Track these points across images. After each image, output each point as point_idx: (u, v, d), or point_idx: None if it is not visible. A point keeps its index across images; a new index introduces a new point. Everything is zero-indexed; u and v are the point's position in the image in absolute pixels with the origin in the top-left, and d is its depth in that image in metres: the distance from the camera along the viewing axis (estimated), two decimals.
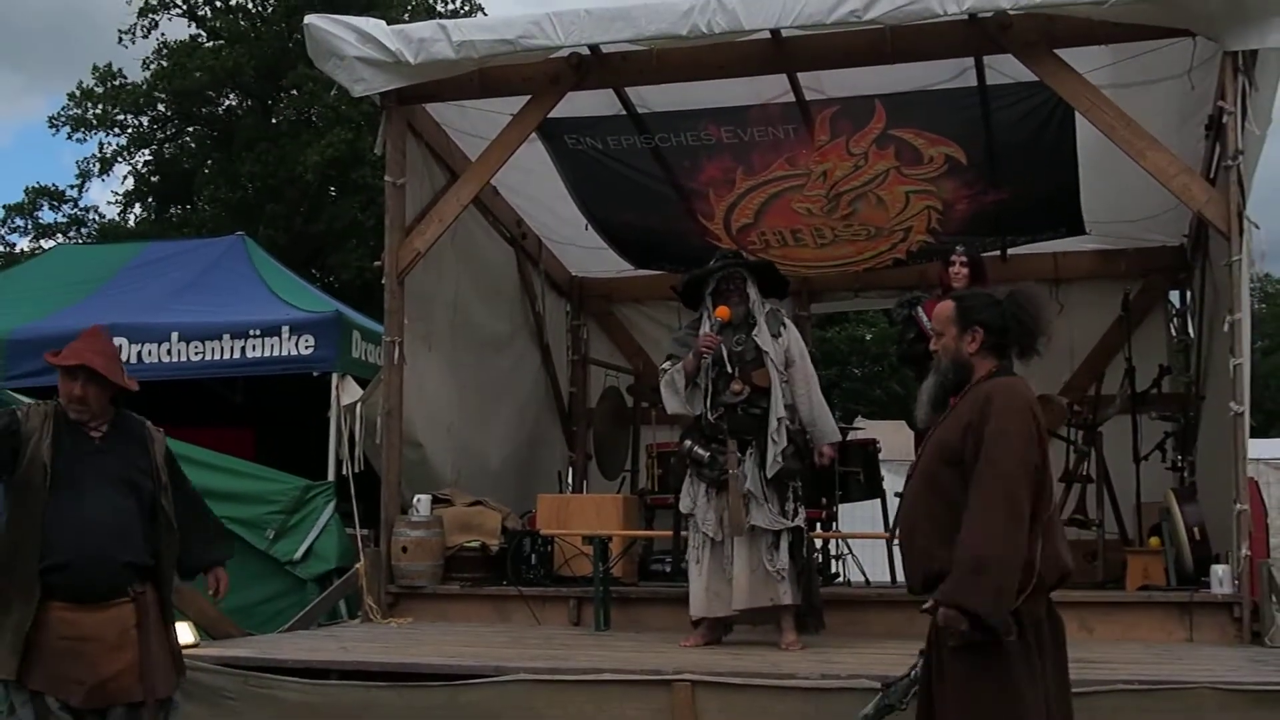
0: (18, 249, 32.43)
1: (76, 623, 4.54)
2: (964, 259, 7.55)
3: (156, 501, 4.80)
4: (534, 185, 9.93)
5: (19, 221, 33.29)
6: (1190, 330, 10.06)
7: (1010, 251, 10.34)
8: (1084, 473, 8.62)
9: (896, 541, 4.22)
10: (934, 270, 8.59)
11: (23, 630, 4.48)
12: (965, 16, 7.19)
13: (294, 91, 28.94)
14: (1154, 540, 7.77)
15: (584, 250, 11.05)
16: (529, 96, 8.18)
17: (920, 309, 7.72)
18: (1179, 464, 8.97)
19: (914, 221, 9.84)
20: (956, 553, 3.72)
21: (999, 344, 4.03)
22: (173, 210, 30.85)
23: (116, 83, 30.13)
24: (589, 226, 10.51)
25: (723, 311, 6.75)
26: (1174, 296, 10.63)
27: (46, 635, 4.51)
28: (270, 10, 29.61)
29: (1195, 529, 7.35)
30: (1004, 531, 3.69)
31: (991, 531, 3.69)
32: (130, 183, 32.08)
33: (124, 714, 4.63)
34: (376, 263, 8.65)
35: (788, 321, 6.93)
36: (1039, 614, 3.82)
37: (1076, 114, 7.83)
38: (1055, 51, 7.33)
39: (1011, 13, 7.17)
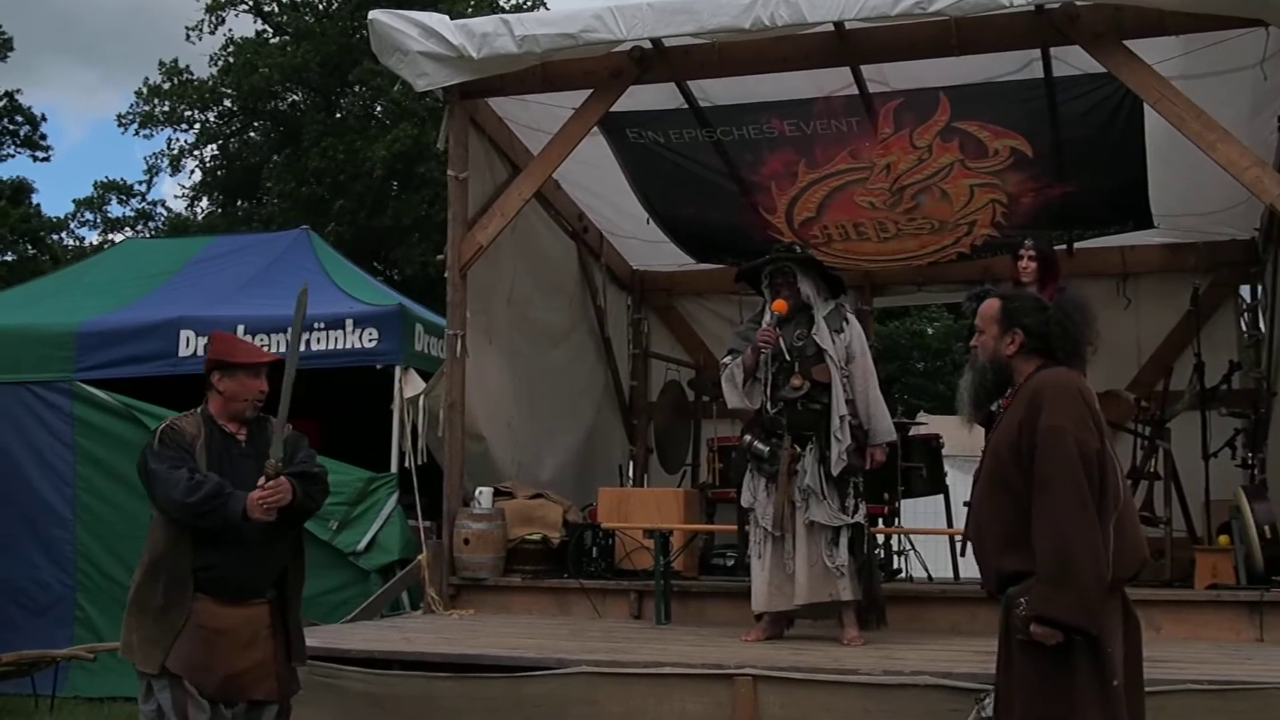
0: (87, 243, 33.06)
1: (216, 615, 4.63)
2: (1033, 251, 7.43)
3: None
4: (596, 179, 9.94)
5: (88, 215, 33.94)
6: (1261, 325, 9.89)
7: (1077, 245, 10.25)
8: (1151, 469, 8.50)
9: (969, 547, 4.17)
10: (999, 264, 8.51)
11: (174, 630, 4.58)
12: (1032, 8, 7.12)
13: (358, 87, 29.18)
14: (1223, 538, 7.65)
15: (645, 244, 11.05)
16: (591, 90, 8.19)
17: None
18: (1249, 461, 8.82)
19: (978, 215, 9.75)
20: (1038, 563, 3.66)
21: (1041, 348, 3.98)
22: (240, 204, 31.24)
23: (183, 79, 30.54)
24: (650, 220, 10.51)
25: (779, 305, 6.72)
26: (1244, 291, 10.45)
27: (187, 624, 4.60)
28: (335, 6, 29.86)
29: (1266, 527, 7.23)
30: (1077, 529, 3.63)
31: (1064, 533, 3.64)
32: (197, 177, 32.59)
33: (244, 710, 4.72)
34: (439, 256, 8.70)
35: (850, 317, 6.88)
36: (1113, 610, 3.76)
37: (1145, 106, 7.72)
38: (1124, 43, 7.22)
39: (1079, 4, 7.10)
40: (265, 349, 5.07)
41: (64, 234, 33.34)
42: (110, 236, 32.87)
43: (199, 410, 4.88)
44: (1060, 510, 3.66)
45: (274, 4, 31.06)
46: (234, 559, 4.64)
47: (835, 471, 6.53)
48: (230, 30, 30.85)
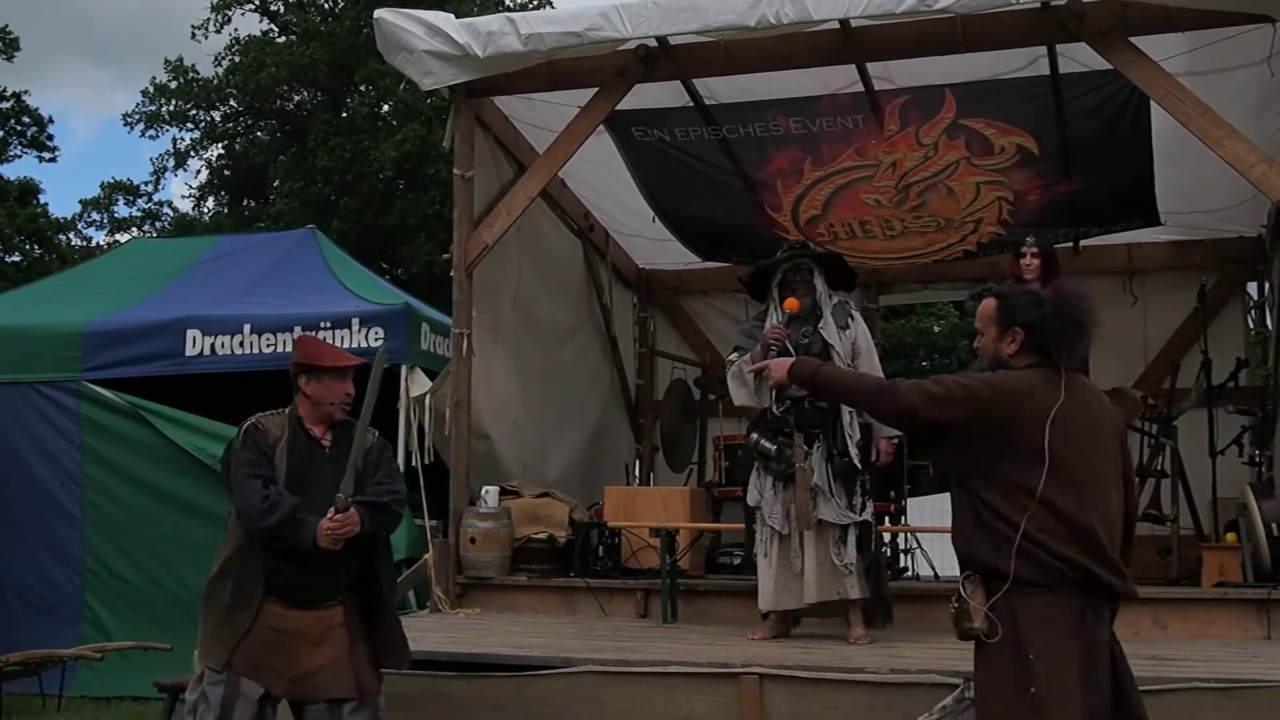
0: (94, 243, 33.10)
1: (285, 618, 4.63)
2: (1035, 250, 7.43)
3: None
4: (602, 178, 9.94)
5: (95, 216, 34.00)
6: (1268, 323, 9.86)
7: (1083, 243, 10.25)
8: (1158, 467, 8.49)
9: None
10: (1005, 262, 8.48)
11: (239, 630, 4.58)
12: (1037, 4, 7.13)
13: (365, 86, 29.18)
14: (1230, 536, 7.64)
15: (651, 242, 11.04)
16: (596, 89, 8.19)
17: None
18: (1256, 459, 8.80)
19: (984, 213, 9.74)
20: None
21: (1042, 346, 3.90)
22: (246, 204, 31.25)
23: (189, 78, 30.55)
24: (656, 219, 10.52)
25: (791, 303, 6.69)
26: (1251, 288, 10.43)
27: (254, 623, 4.60)
28: (341, 5, 29.86)
29: (1273, 525, 7.20)
30: (859, 384, 4.36)
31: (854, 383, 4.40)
32: (204, 176, 32.62)
33: (324, 710, 4.68)
34: (445, 255, 8.71)
35: (856, 314, 6.87)
36: (1048, 616, 3.67)
37: (1152, 102, 7.71)
38: (1130, 39, 7.22)
39: (1085, 0, 7.08)
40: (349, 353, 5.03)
41: (71, 234, 33.42)
42: (117, 236, 32.95)
43: (286, 411, 4.89)
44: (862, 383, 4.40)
45: (280, 3, 31.07)
46: (302, 569, 4.63)
47: (859, 465, 6.53)
48: (236, 30, 30.91)
